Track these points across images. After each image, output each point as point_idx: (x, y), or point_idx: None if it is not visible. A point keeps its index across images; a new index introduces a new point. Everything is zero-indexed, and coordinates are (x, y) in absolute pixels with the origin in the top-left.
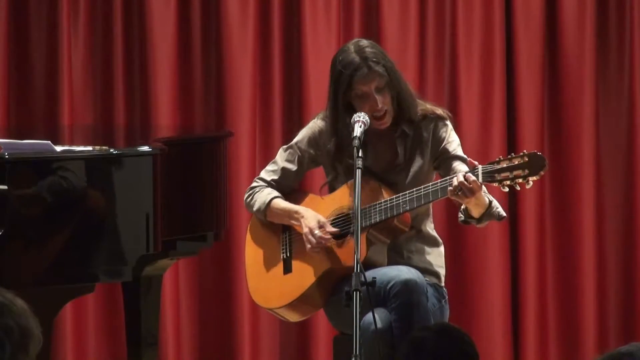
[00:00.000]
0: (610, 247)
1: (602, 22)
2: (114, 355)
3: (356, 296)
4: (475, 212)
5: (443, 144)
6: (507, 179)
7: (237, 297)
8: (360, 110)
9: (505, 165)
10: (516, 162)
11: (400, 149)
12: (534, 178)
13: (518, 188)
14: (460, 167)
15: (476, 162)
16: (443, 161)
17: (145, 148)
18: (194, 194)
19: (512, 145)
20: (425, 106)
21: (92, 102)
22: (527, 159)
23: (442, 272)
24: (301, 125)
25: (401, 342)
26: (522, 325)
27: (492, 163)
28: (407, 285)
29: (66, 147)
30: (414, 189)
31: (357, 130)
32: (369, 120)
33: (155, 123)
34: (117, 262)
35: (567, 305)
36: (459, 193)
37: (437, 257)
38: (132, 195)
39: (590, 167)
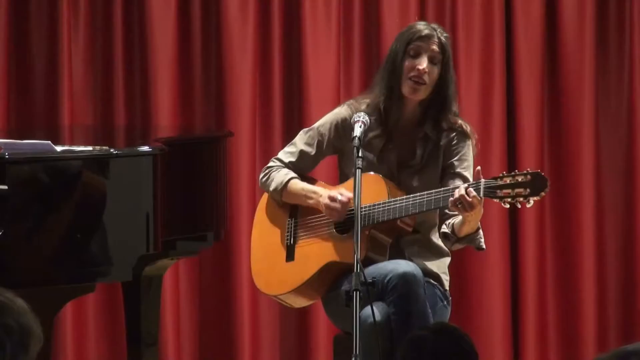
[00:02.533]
0: (610, 246)
1: (602, 22)
2: (114, 355)
3: (356, 296)
4: (464, 230)
5: (453, 158)
6: (508, 196)
7: (237, 297)
8: (407, 70)
9: (507, 182)
10: (519, 180)
11: (419, 151)
12: (535, 198)
13: (519, 206)
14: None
15: (481, 175)
16: (446, 175)
17: (146, 148)
18: (194, 194)
19: (511, 145)
20: (457, 120)
21: (92, 102)
22: (530, 178)
23: (444, 277)
24: (301, 125)
25: (400, 338)
26: (522, 325)
27: (495, 178)
28: (405, 278)
29: (66, 147)
30: (418, 194)
31: (357, 131)
32: (369, 121)
33: (155, 123)
34: (117, 262)
35: (567, 305)
36: (459, 206)
37: (440, 265)
38: (132, 195)
39: (590, 167)
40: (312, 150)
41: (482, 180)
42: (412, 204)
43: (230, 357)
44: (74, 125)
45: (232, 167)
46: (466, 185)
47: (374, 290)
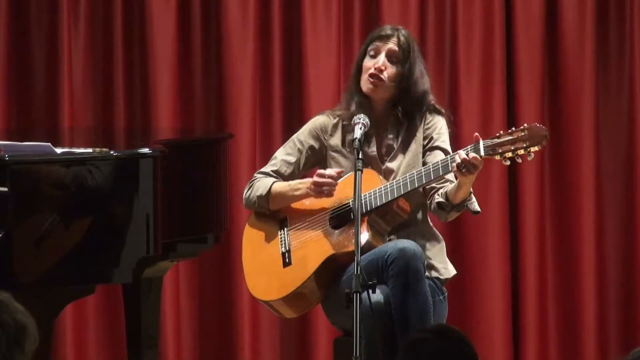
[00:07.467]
0: (610, 247)
1: (602, 21)
2: (114, 356)
3: (356, 298)
4: (459, 196)
5: (432, 133)
6: (508, 151)
7: (237, 298)
8: (365, 69)
9: (506, 139)
10: (517, 135)
11: (393, 134)
12: (535, 149)
13: (519, 160)
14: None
15: (478, 135)
16: (426, 149)
17: (146, 150)
18: (194, 195)
19: None
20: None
21: (93, 104)
22: (527, 132)
23: (441, 266)
24: (301, 127)
25: (398, 311)
26: (522, 326)
27: (493, 138)
28: (404, 252)
29: (66, 149)
30: (415, 171)
31: (358, 132)
32: (369, 122)
33: (155, 125)
34: (117, 264)
35: (567, 307)
36: (464, 170)
37: (437, 253)
38: (132, 197)
39: (590, 168)
40: (293, 158)
41: (481, 140)
42: (409, 180)
43: (230, 357)
44: (74, 127)
45: (232, 168)
46: (465, 149)
47: (374, 291)
